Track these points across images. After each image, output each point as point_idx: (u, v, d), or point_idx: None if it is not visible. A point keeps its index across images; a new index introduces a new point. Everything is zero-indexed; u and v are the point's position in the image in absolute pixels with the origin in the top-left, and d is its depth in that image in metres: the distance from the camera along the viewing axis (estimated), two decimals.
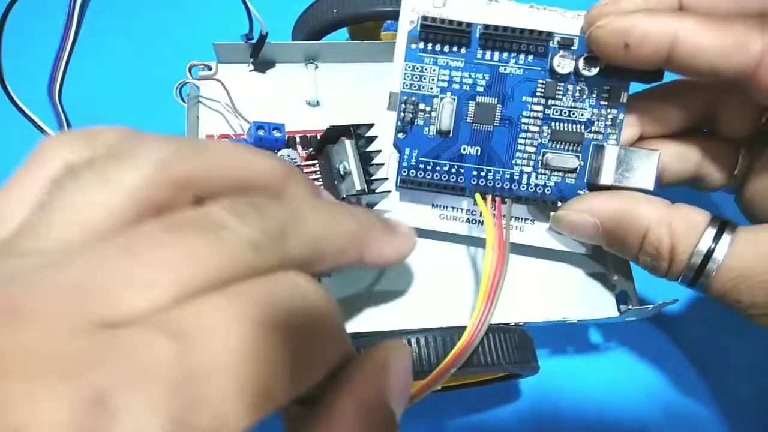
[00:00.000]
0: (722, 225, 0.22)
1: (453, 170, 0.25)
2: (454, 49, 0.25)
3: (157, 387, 0.11)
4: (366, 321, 0.26)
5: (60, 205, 0.14)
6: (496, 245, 0.23)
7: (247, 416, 0.12)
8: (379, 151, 0.26)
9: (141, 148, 0.16)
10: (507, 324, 0.27)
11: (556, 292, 0.27)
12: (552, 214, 0.25)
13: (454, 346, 0.24)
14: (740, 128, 0.25)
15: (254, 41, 0.28)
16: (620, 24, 0.22)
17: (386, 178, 0.26)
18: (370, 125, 0.26)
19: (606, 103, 0.25)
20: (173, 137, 0.16)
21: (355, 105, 0.30)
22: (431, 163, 0.25)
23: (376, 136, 0.26)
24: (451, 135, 0.25)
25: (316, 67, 0.31)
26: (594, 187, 0.25)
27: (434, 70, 0.25)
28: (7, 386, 0.10)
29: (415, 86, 0.25)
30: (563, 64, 0.25)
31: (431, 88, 0.25)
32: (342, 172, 0.26)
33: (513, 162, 0.25)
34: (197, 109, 0.29)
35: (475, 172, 0.26)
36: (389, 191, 0.26)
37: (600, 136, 0.25)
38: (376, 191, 0.26)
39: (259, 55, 0.29)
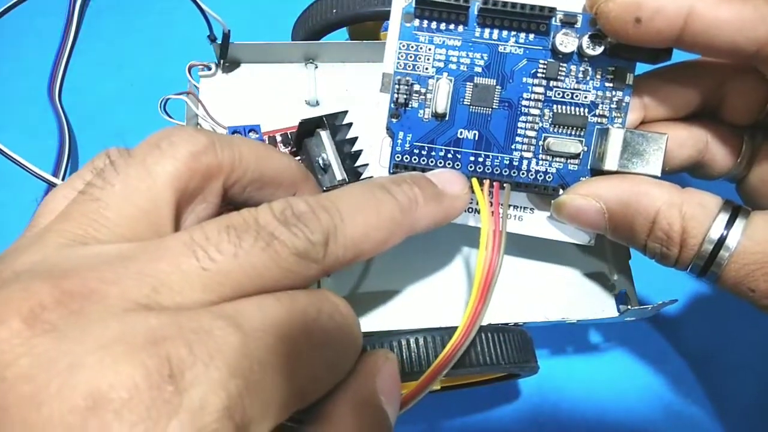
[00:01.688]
0: (735, 209, 0.20)
1: (449, 155, 0.24)
2: (451, 27, 0.24)
3: (224, 366, 0.12)
4: (363, 321, 0.26)
5: (108, 194, 0.16)
6: (491, 236, 0.22)
7: (285, 409, 0.14)
8: (356, 138, 0.26)
9: (176, 142, 0.17)
10: (507, 324, 0.27)
11: (556, 292, 0.27)
12: (553, 200, 0.24)
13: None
14: (746, 113, 0.24)
15: (219, 42, 0.28)
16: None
17: (367, 164, 0.25)
18: (344, 113, 0.26)
19: (611, 84, 0.24)
20: (204, 131, 0.18)
21: (355, 105, 0.30)
22: (426, 148, 0.24)
23: (352, 123, 0.26)
24: (447, 118, 0.24)
25: (316, 67, 0.31)
26: (597, 173, 0.24)
27: (429, 50, 0.24)
28: (85, 353, 0.12)
29: (409, 66, 0.24)
30: (566, 42, 0.23)
31: (426, 69, 0.24)
32: (322, 165, 0.26)
33: (512, 147, 0.24)
34: (192, 119, 0.29)
35: (472, 158, 0.24)
36: (372, 177, 0.25)
37: (604, 120, 0.24)
38: (359, 179, 0.25)
39: (227, 55, 0.29)
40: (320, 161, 0.26)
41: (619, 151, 0.23)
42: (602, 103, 0.24)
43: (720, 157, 0.24)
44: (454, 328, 0.24)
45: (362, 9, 0.29)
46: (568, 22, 0.23)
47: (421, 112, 0.24)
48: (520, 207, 0.25)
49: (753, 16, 0.19)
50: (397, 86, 0.24)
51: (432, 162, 0.24)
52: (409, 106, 0.24)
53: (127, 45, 0.40)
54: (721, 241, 0.20)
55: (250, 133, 0.26)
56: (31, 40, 0.40)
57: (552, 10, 0.23)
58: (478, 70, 0.24)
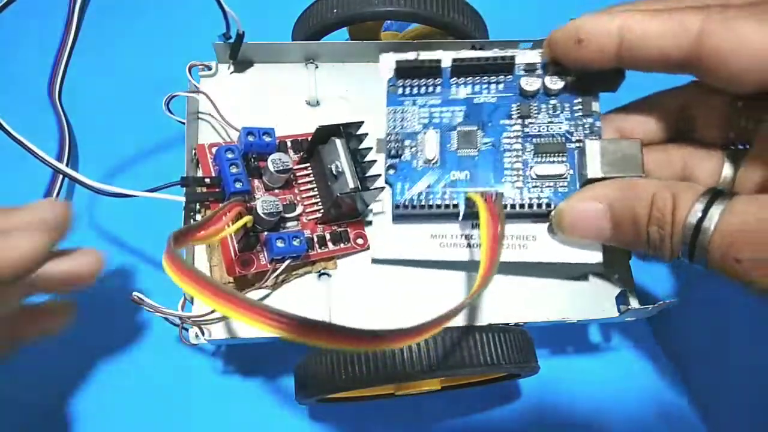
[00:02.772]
0: (720, 192, 0.21)
1: (446, 196, 0.26)
2: (430, 89, 0.27)
3: None
4: (364, 321, 0.26)
5: None
6: (490, 220, 0.23)
7: None
8: (371, 148, 0.26)
9: None
10: (507, 324, 0.27)
11: (556, 292, 0.27)
12: (552, 212, 0.25)
13: (455, 345, 0.24)
14: (716, 131, 0.25)
15: (232, 41, 0.28)
16: (572, 24, 0.24)
17: (380, 175, 0.26)
18: (360, 123, 0.26)
19: (580, 114, 0.26)
20: None
21: (355, 105, 0.30)
22: (423, 193, 0.26)
23: (367, 134, 0.26)
24: (438, 163, 0.26)
25: (317, 67, 0.31)
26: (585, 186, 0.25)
27: (414, 111, 0.27)
28: None
29: (398, 126, 0.27)
30: (531, 82, 0.26)
31: (414, 126, 0.27)
32: (335, 172, 0.26)
33: (502, 181, 0.26)
34: (194, 119, 0.29)
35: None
36: (383, 187, 0.26)
37: (581, 144, 0.25)
38: (370, 188, 0.26)
39: (238, 55, 0.29)
40: (333, 168, 0.26)
41: (599, 159, 0.24)
42: (576, 131, 0.26)
43: (702, 177, 0.25)
44: (455, 328, 0.25)
45: (362, 9, 0.29)
46: (530, 69, 0.26)
47: (415, 162, 0.26)
48: (523, 236, 0.26)
49: (677, 26, 0.21)
50: (389, 143, 0.26)
51: (431, 203, 0.26)
52: (402, 158, 0.26)
53: (127, 45, 0.40)
54: (705, 213, 0.20)
55: (264, 136, 0.26)
56: (31, 40, 0.40)
57: (513, 57, 0.26)
58: (459, 120, 0.27)
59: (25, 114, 0.26)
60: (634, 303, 0.27)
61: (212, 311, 0.25)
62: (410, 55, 0.27)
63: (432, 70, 0.27)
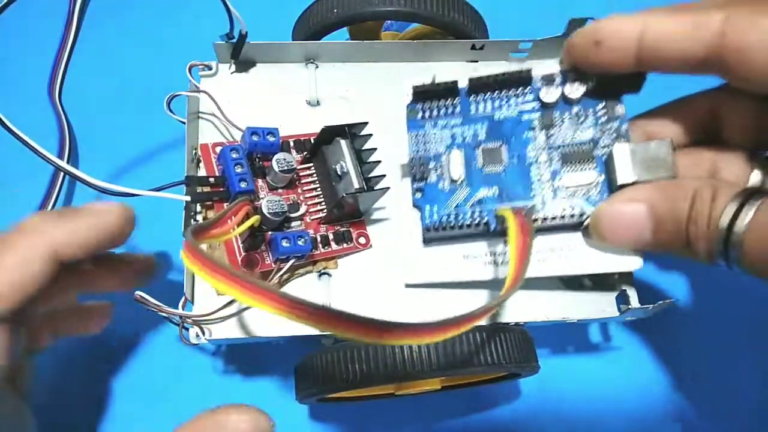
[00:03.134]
0: (759, 189, 0.20)
1: (475, 215, 0.25)
2: (449, 111, 0.26)
3: None
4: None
5: None
6: (520, 233, 0.23)
7: None
8: (375, 149, 0.26)
9: None
10: (507, 324, 0.27)
11: (557, 292, 0.27)
12: (591, 215, 0.24)
13: (455, 345, 0.24)
14: (746, 132, 0.24)
15: (235, 41, 0.28)
16: (591, 26, 0.23)
17: (384, 175, 0.26)
18: (365, 123, 0.26)
19: (605, 119, 0.25)
20: None
21: (355, 105, 0.30)
22: (453, 213, 0.25)
23: (371, 135, 0.26)
24: (465, 182, 0.26)
25: (317, 67, 0.31)
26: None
27: (436, 134, 0.26)
28: None
29: (421, 150, 0.26)
30: (550, 92, 0.25)
31: (437, 149, 0.26)
32: (339, 172, 0.26)
33: (531, 194, 0.25)
34: (194, 119, 0.29)
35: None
36: (388, 188, 0.26)
37: (608, 149, 0.25)
38: (375, 188, 0.26)
39: (240, 55, 0.29)
40: (338, 168, 0.26)
41: (630, 163, 0.23)
42: (602, 137, 0.25)
43: (731, 180, 0.24)
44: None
45: (362, 9, 0.29)
46: (548, 79, 0.25)
47: (441, 183, 0.26)
48: (559, 248, 0.25)
49: (697, 22, 0.21)
50: (413, 167, 0.26)
51: (461, 224, 0.25)
52: (428, 180, 0.26)
53: (127, 45, 0.40)
54: (741, 207, 0.20)
55: (268, 136, 0.26)
56: (31, 40, 0.40)
57: (529, 70, 0.25)
58: (482, 137, 0.26)
59: (25, 114, 0.26)
60: (634, 303, 0.27)
61: (213, 311, 0.25)
62: (426, 80, 0.26)
63: (449, 91, 0.26)
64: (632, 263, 0.25)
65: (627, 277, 0.27)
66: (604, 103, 0.25)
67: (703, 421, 0.34)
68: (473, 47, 0.30)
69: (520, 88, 0.26)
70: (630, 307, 0.27)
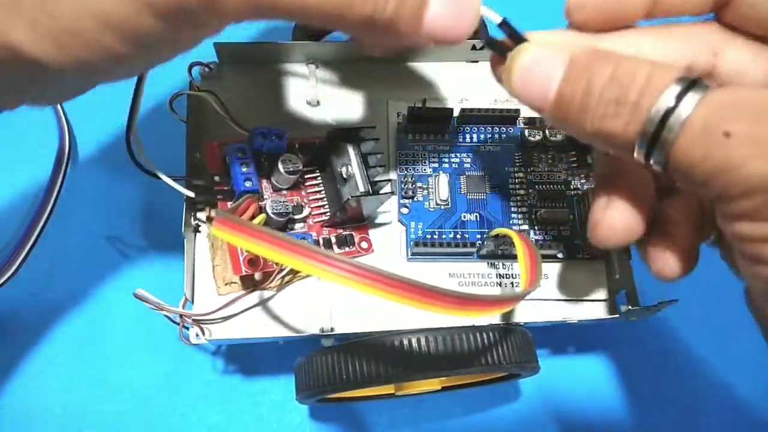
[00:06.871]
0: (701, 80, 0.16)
1: (458, 236, 0.27)
2: (439, 135, 0.29)
3: None
4: (364, 321, 0.26)
5: None
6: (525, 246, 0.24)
7: None
8: (381, 153, 0.26)
9: None
10: (508, 324, 0.27)
11: (557, 292, 0.27)
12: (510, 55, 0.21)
13: (455, 345, 0.24)
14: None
15: (235, 41, 0.28)
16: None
17: (390, 180, 0.26)
18: (372, 127, 0.26)
19: (576, 165, 0.29)
20: None
21: (355, 105, 0.30)
22: (436, 233, 0.27)
23: (378, 138, 0.26)
24: (450, 206, 0.28)
25: (317, 67, 0.31)
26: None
27: (424, 155, 0.29)
28: None
29: (410, 169, 0.28)
30: (533, 133, 0.29)
31: (425, 170, 0.28)
32: (345, 176, 0.26)
33: (510, 223, 0.28)
34: (196, 117, 0.28)
35: (478, 236, 0.27)
36: (393, 192, 0.26)
37: (579, 192, 0.28)
38: (380, 192, 0.26)
39: (240, 55, 0.29)
40: (343, 172, 0.26)
41: None
42: (573, 180, 0.29)
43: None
44: (455, 329, 0.25)
45: None
46: (530, 122, 0.29)
47: (427, 203, 0.28)
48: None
49: None
50: (402, 184, 0.28)
51: (443, 243, 0.27)
52: (415, 198, 0.28)
53: None
54: (683, 94, 0.16)
55: (275, 137, 0.26)
56: None
57: (517, 110, 0.28)
58: (467, 165, 0.29)
59: (25, 114, 0.26)
60: (634, 303, 0.27)
61: (213, 311, 0.25)
62: (419, 104, 0.28)
63: (441, 117, 0.28)
64: (599, 294, 0.27)
65: (627, 278, 0.27)
66: (574, 152, 0.29)
67: (703, 421, 0.34)
68: (473, 47, 0.30)
69: (506, 126, 0.29)
70: (630, 307, 0.27)
